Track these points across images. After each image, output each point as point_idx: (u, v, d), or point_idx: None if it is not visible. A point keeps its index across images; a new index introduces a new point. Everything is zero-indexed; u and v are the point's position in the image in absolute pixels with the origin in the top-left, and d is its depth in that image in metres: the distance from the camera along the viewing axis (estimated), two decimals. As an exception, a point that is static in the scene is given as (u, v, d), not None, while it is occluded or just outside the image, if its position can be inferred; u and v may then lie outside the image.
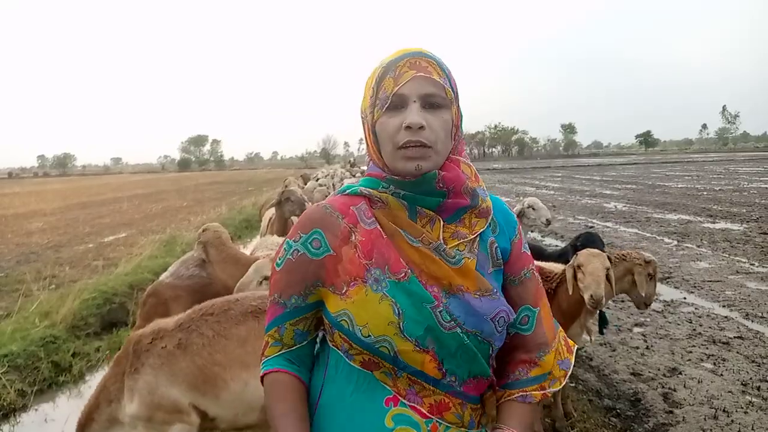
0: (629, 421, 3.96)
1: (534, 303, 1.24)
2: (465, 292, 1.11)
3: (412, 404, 1.11)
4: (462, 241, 1.16)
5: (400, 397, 1.11)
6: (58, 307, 6.27)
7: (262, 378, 1.20)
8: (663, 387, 4.45)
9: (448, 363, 1.10)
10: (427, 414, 1.11)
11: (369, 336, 1.08)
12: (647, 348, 5.31)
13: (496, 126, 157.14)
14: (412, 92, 1.11)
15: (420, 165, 1.11)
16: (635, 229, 12.51)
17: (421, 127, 1.09)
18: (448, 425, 1.12)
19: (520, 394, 1.19)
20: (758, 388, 4.34)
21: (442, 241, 1.14)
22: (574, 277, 3.28)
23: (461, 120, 1.21)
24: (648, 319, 6.14)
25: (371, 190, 1.17)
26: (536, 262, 3.81)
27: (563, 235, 12.09)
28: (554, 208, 17.56)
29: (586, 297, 3.17)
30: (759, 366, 4.76)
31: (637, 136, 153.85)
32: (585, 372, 4.85)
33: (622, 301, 6.53)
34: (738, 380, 4.51)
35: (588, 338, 3.67)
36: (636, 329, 5.87)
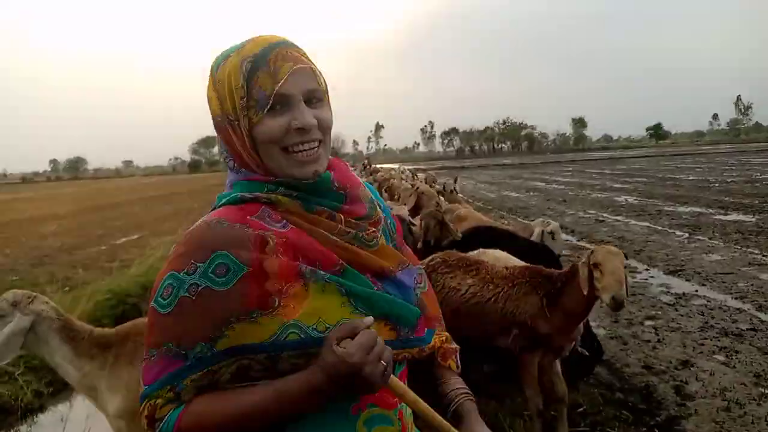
0: (641, 414, 3.95)
1: (417, 263, 1.27)
2: (393, 272, 1.12)
3: (377, 397, 1.05)
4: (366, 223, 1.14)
5: (367, 401, 1.05)
6: (72, 309, 6.32)
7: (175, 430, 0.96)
8: (675, 380, 4.44)
9: (400, 320, 1.10)
10: (393, 403, 1.09)
11: (327, 328, 0.98)
12: (659, 341, 5.29)
13: (504, 122, 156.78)
14: (296, 89, 1.02)
15: (317, 170, 1.06)
16: (646, 223, 12.44)
17: (312, 127, 1.04)
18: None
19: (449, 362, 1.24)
20: (771, 380, 4.32)
21: (356, 232, 1.10)
22: (590, 276, 3.06)
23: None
24: (660, 312, 6.11)
25: (257, 194, 1.05)
26: (525, 264, 3.81)
27: (573, 229, 12.05)
28: (565, 203, 17.52)
29: (607, 298, 2.96)
30: (772, 358, 4.73)
31: (647, 129, 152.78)
32: (596, 366, 4.83)
33: (633, 295, 6.51)
34: (751, 372, 4.48)
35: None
36: (647, 322, 5.85)
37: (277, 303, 0.97)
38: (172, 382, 0.96)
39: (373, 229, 1.14)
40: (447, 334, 1.27)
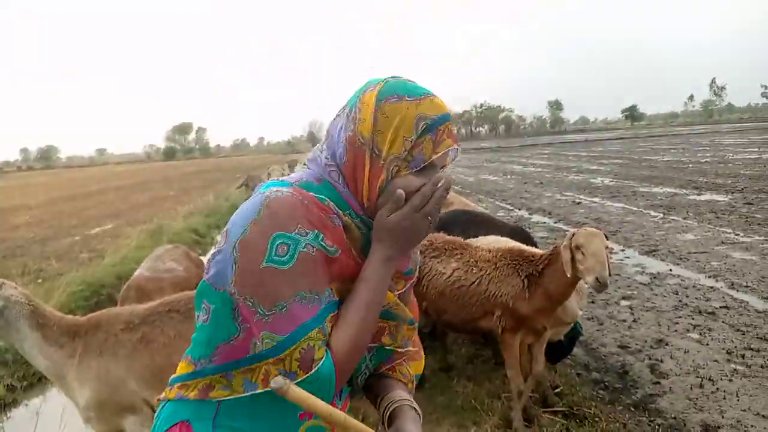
0: (617, 393, 4.01)
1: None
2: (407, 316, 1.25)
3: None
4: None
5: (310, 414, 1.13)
6: (45, 301, 6.18)
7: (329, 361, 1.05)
8: (650, 359, 4.51)
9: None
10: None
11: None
12: (634, 321, 5.37)
13: (482, 105, 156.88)
14: (442, 162, 1.14)
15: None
16: (622, 204, 12.58)
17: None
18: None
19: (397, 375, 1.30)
20: (743, 356, 4.40)
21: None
22: (572, 258, 3.09)
23: None
24: (635, 292, 6.20)
25: (338, 210, 1.12)
26: (516, 244, 3.84)
27: (551, 212, 12.15)
28: (542, 185, 17.64)
29: (590, 280, 3.02)
30: (744, 334, 4.83)
31: (623, 111, 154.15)
32: (573, 349, 4.89)
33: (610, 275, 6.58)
34: (723, 349, 4.57)
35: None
36: (623, 302, 5.93)
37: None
38: (318, 323, 1.03)
39: (402, 286, 1.25)
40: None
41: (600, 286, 3.02)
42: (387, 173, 1.09)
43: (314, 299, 1.03)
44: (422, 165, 1.09)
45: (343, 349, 1.05)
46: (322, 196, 1.11)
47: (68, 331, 2.61)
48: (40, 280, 7.72)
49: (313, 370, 1.00)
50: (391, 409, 1.19)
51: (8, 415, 4.50)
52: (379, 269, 1.11)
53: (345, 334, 1.06)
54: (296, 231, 1.02)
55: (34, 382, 4.95)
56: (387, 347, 1.22)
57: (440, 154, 1.10)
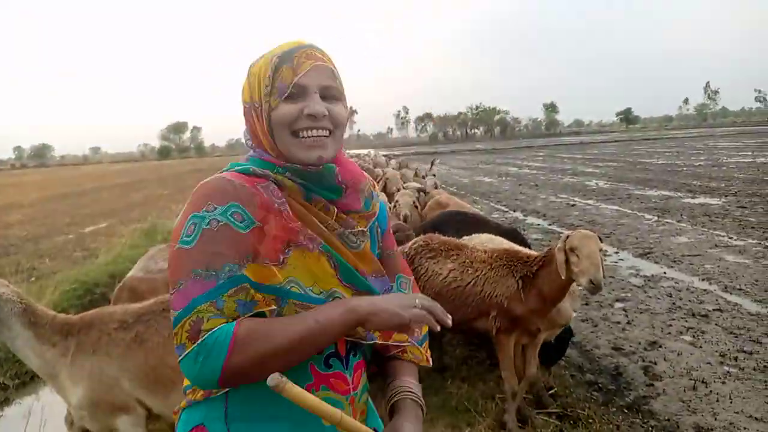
0: (611, 395, 4.01)
1: (407, 273, 1.39)
2: (367, 275, 1.21)
3: (331, 383, 1.15)
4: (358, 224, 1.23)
5: (320, 383, 1.14)
6: (38, 299, 6.15)
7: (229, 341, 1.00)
8: (644, 360, 4.52)
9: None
10: (346, 390, 1.17)
11: (321, 292, 1.12)
12: (628, 323, 5.38)
13: (477, 107, 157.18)
14: (312, 82, 1.14)
15: (321, 155, 1.15)
16: (616, 206, 12.62)
17: (323, 116, 1.15)
18: (362, 393, 1.23)
19: (408, 355, 1.30)
20: (735, 359, 4.42)
21: (343, 230, 1.20)
22: (566, 260, 3.09)
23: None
24: (629, 294, 6.21)
25: (267, 171, 1.16)
26: (510, 244, 3.85)
27: (545, 213, 12.18)
28: (536, 187, 17.68)
29: (584, 282, 3.02)
30: (737, 337, 4.85)
31: (617, 114, 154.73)
32: (566, 350, 4.90)
33: (604, 277, 6.59)
34: (716, 351, 4.59)
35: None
36: (617, 304, 5.94)
37: (281, 259, 1.09)
38: (211, 298, 1.01)
39: (362, 228, 1.23)
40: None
41: (594, 288, 3.02)
42: (264, 114, 1.16)
43: (210, 275, 1.02)
44: (288, 90, 1.13)
45: (248, 346, 0.99)
46: (246, 166, 1.17)
47: (61, 330, 2.59)
48: (33, 279, 7.68)
49: (199, 340, 0.98)
50: (393, 401, 1.20)
51: (0, 413, 4.47)
52: (336, 310, 1.07)
53: (259, 343, 1.00)
54: (204, 209, 1.06)
55: (27, 380, 4.92)
56: (364, 342, 1.19)
57: (303, 73, 1.13)
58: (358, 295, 1.16)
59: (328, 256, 1.14)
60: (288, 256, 1.10)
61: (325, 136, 1.15)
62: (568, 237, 3.14)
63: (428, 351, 1.35)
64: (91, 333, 2.59)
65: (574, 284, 3.23)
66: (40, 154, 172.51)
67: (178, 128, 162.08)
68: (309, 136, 1.14)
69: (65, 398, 2.61)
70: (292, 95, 1.13)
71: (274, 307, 1.08)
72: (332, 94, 1.18)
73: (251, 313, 1.04)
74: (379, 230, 1.34)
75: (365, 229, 1.24)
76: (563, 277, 3.10)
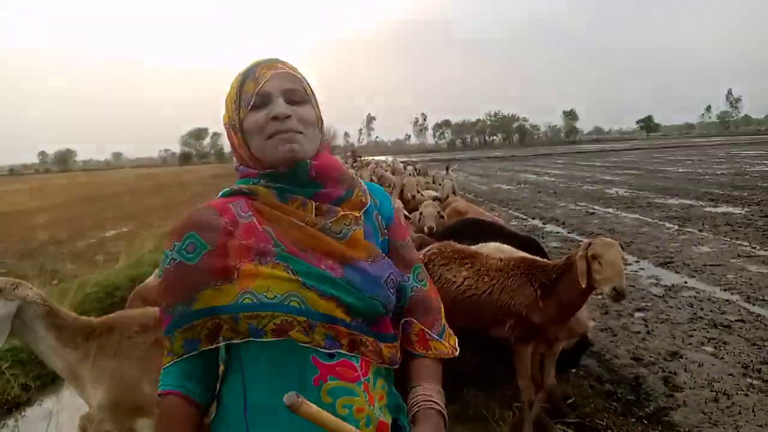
0: (630, 406, 3.96)
1: (421, 262, 1.38)
2: (359, 260, 1.19)
3: (338, 372, 1.12)
4: (346, 214, 1.22)
5: (327, 373, 1.11)
6: (60, 302, 6.22)
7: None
8: (664, 371, 4.46)
9: (352, 307, 1.15)
10: (355, 377, 1.14)
11: (275, 296, 1.10)
12: (648, 332, 5.31)
13: (496, 114, 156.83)
14: (274, 88, 1.19)
15: (292, 147, 1.17)
16: (637, 215, 12.49)
17: (288, 117, 1.17)
18: (376, 378, 1.18)
19: (432, 351, 1.28)
20: (759, 371, 4.34)
21: (324, 221, 1.20)
22: (587, 268, 3.05)
23: (322, 122, 1.29)
24: (649, 304, 6.14)
25: (240, 186, 1.23)
26: (523, 253, 3.82)
27: (565, 222, 12.09)
28: (555, 195, 17.57)
29: (608, 289, 2.98)
30: (760, 348, 4.76)
31: (638, 122, 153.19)
32: (586, 357, 4.84)
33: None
34: (739, 363, 4.51)
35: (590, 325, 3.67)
36: (637, 314, 5.87)
37: (235, 276, 1.11)
38: (168, 332, 1.15)
39: (349, 214, 1.23)
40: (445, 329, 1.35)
41: (618, 296, 2.99)
42: (237, 127, 1.21)
43: (168, 312, 1.15)
44: (252, 99, 1.17)
45: (161, 413, 1.18)
46: (226, 190, 1.26)
47: (83, 332, 2.63)
48: (55, 282, 7.81)
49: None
50: (414, 411, 1.19)
51: (22, 414, 4.54)
52: None
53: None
54: (168, 247, 1.17)
55: (48, 382, 4.99)
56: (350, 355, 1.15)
57: (263, 83, 1.18)
58: (323, 297, 1.12)
59: (286, 264, 1.13)
60: (240, 271, 1.11)
61: (296, 132, 1.18)
62: (590, 245, 3.11)
63: (451, 336, 1.35)
64: (112, 336, 2.62)
65: None
66: (64, 158, 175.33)
67: (199, 134, 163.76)
68: (278, 132, 1.17)
69: (86, 400, 2.65)
70: (257, 104, 1.18)
71: (220, 341, 1.13)
72: (297, 97, 1.21)
73: (196, 352, 1.13)
74: (380, 218, 1.31)
75: (353, 215, 1.23)
76: (584, 285, 3.07)
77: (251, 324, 1.09)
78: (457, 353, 1.31)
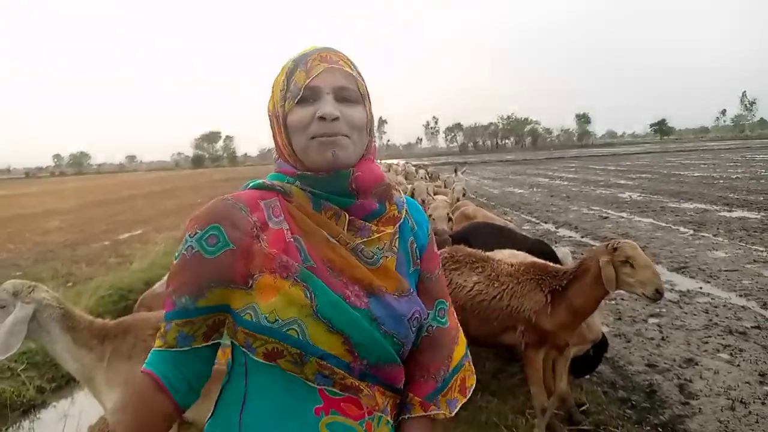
0: (644, 413, 3.92)
1: (446, 298, 1.29)
2: (385, 293, 1.11)
3: (342, 407, 1.07)
4: (380, 236, 1.15)
5: (330, 407, 1.06)
6: (74, 304, 6.27)
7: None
8: (679, 378, 4.41)
9: (359, 346, 1.07)
10: (359, 414, 1.08)
11: (276, 321, 1.02)
12: (663, 339, 5.26)
13: (508, 117, 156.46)
14: (326, 84, 1.10)
15: (335, 152, 1.08)
16: (650, 219, 12.39)
17: (336, 119, 1.08)
18: (380, 419, 1.11)
19: (431, 407, 1.19)
20: (776, 379, 4.29)
21: (359, 241, 1.12)
22: (615, 271, 3.02)
23: (372, 123, 1.20)
24: (664, 310, 6.08)
25: (274, 183, 1.14)
26: (535, 259, 3.80)
27: (577, 226, 12.01)
28: (568, 199, 17.47)
29: (650, 291, 2.96)
30: (777, 356, 4.70)
31: (651, 125, 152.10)
32: (600, 364, 4.81)
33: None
34: (755, 371, 4.45)
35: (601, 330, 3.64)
36: (651, 320, 5.81)
37: (251, 284, 1.05)
38: (165, 318, 1.09)
39: (383, 234, 1.15)
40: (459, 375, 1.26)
41: (658, 296, 2.99)
42: (281, 121, 1.13)
43: (172, 300, 1.08)
44: (300, 92, 1.09)
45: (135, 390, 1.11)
46: (260, 182, 1.16)
47: (98, 335, 2.65)
48: (70, 284, 7.88)
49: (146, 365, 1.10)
50: None
51: (37, 416, 4.58)
52: None
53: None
54: (190, 232, 1.08)
55: (63, 384, 5.04)
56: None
57: (315, 76, 1.09)
58: (332, 332, 1.04)
59: (305, 285, 1.04)
60: (256, 281, 1.05)
61: (343, 135, 1.09)
62: (615, 249, 3.07)
63: (463, 380, 1.26)
64: (127, 338, 2.64)
65: None
66: (78, 162, 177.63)
67: (211, 138, 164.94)
68: (323, 134, 1.08)
69: (101, 402, 2.66)
70: (305, 98, 1.09)
71: (211, 342, 1.10)
72: (348, 96, 1.12)
73: (188, 348, 1.07)
74: (415, 246, 1.23)
75: (387, 234, 1.16)
76: (612, 291, 3.06)
77: (247, 339, 1.06)
78: (453, 414, 1.22)
